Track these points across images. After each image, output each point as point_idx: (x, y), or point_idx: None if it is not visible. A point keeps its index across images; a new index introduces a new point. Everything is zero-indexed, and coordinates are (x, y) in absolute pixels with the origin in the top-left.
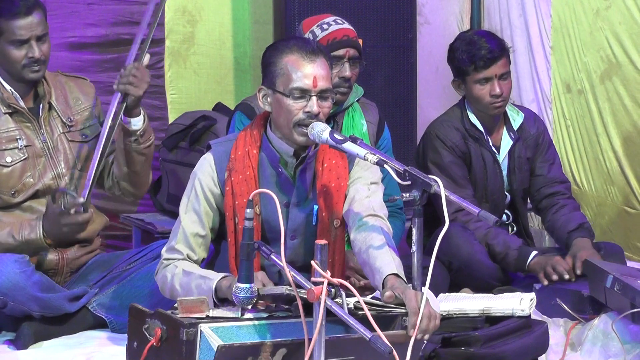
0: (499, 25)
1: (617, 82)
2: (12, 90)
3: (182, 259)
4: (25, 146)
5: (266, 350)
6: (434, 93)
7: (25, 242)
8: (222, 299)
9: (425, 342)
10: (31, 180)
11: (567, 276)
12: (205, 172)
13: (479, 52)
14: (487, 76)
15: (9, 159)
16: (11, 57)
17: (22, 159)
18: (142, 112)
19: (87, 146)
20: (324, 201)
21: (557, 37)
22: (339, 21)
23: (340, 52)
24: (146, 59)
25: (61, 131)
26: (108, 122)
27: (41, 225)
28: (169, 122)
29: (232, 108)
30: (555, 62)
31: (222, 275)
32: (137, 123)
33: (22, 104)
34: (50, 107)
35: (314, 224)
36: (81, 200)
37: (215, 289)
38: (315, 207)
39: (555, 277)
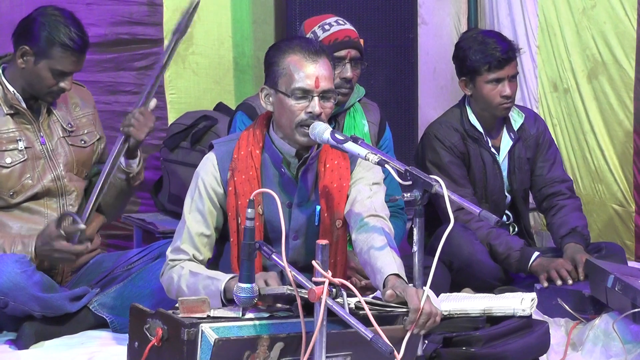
0: (490, 25)
1: (603, 81)
2: (15, 92)
3: (188, 260)
4: (25, 148)
5: (263, 344)
6: (432, 93)
7: None
8: (230, 300)
9: (426, 341)
10: (30, 181)
11: (570, 281)
12: (208, 171)
13: (494, 53)
14: (499, 77)
15: (8, 160)
16: (44, 80)
17: (22, 160)
18: (139, 154)
19: (85, 151)
20: (326, 202)
21: (543, 36)
22: (341, 22)
23: (342, 52)
24: (152, 103)
25: (61, 135)
26: (111, 160)
27: (34, 250)
28: (168, 122)
29: (231, 108)
30: (542, 61)
31: (230, 275)
32: (133, 165)
33: (24, 105)
34: (50, 112)
35: (316, 224)
36: (82, 226)
37: (224, 289)
38: (318, 207)
39: (559, 282)
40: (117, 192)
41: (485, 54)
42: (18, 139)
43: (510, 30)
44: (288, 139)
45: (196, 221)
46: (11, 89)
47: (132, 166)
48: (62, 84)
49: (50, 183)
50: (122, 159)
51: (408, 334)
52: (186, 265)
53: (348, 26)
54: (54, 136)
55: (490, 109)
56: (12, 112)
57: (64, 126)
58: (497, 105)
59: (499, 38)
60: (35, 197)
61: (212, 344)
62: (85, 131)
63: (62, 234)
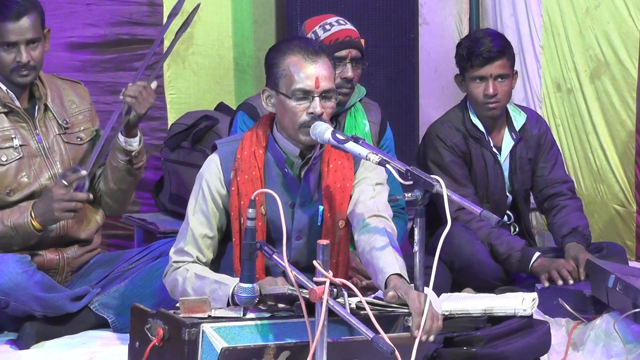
0: (493, 25)
1: (605, 81)
2: (8, 90)
3: (192, 262)
4: (20, 145)
5: (269, 353)
6: (433, 93)
7: (13, 228)
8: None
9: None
10: (26, 179)
11: (571, 281)
12: (211, 172)
13: (477, 50)
14: (482, 75)
15: (4, 158)
16: (1, 59)
17: (17, 158)
18: (139, 133)
19: (82, 148)
20: (329, 202)
21: (547, 37)
22: (342, 22)
23: (343, 52)
24: (154, 84)
25: (57, 132)
26: (110, 127)
27: (31, 208)
28: (168, 122)
29: (232, 108)
30: (546, 62)
31: (237, 280)
32: (134, 144)
33: (17, 103)
34: (46, 108)
35: (319, 224)
36: (84, 172)
37: (232, 294)
38: (321, 207)
39: (560, 282)
40: (120, 176)
41: (470, 50)
42: (13, 136)
43: (514, 31)
44: (292, 139)
45: (200, 223)
46: (4, 87)
47: (132, 145)
48: (17, 58)
49: (47, 181)
50: (121, 137)
51: (417, 340)
52: (191, 268)
53: (349, 26)
54: (49, 134)
55: (478, 107)
56: (6, 110)
57: (60, 123)
58: (481, 104)
59: (494, 37)
60: (32, 196)
61: (219, 353)
62: (82, 128)
63: (62, 183)
